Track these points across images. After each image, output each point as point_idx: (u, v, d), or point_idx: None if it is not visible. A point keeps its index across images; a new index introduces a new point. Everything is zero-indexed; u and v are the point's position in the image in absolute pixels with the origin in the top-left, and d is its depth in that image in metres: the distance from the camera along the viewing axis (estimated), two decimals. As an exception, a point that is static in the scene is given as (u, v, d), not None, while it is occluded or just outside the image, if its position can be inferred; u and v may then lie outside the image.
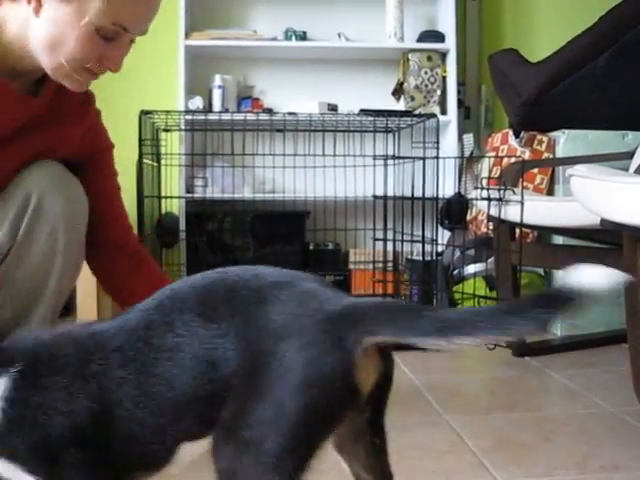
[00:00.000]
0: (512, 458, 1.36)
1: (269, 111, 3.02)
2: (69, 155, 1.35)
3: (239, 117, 2.58)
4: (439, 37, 3.13)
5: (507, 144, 2.76)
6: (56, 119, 1.29)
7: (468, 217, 2.90)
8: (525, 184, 2.29)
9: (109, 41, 1.11)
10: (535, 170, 2.55)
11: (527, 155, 2.62)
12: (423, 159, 2.31)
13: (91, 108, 1.37)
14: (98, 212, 1.35)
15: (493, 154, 2.81)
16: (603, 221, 1.45)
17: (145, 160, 2.32)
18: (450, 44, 3.08)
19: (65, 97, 1.28)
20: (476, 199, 2.23)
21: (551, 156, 2.58)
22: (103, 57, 1.13)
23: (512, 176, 2.18)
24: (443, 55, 3.12)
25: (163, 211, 2.63)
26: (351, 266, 3.00)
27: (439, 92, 3.10)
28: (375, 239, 2.75)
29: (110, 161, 1.45)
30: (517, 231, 2.21)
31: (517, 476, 1.28)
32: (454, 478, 1.27)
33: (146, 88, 3.02)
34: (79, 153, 1.36)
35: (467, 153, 3.08)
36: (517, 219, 2.04)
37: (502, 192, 2.10)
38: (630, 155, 2.17)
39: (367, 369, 0.76)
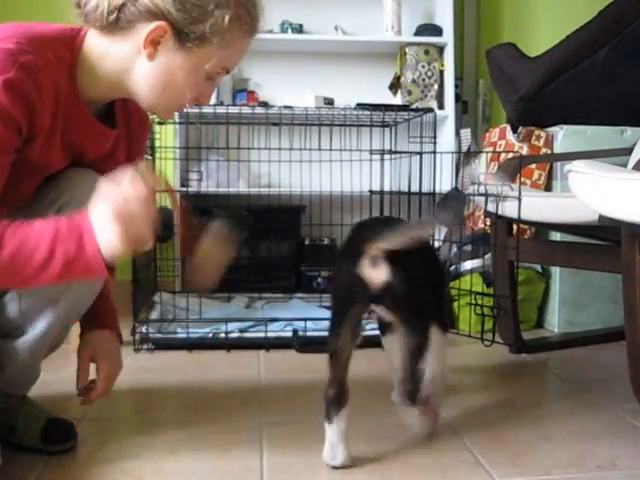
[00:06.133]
0: (509, 456, 1.35)
1: (265, 104, 2.99)
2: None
3: (234, 110, 2.56)
4: (437, 31, 3.11)
5: (505, 139, 2.74)
6: (125, 141, 1.34)
7: (465, 213, 2.88)
8: (523, 180, 2.28)
9: (208, 80, 1.20)
10: (533, 166, 2.54)
11: (525, 150, 2.60)
12: (420, 154, 2.29)
13: (148, 127, 1.44)
14: None
15: (491, 149, 2.79)
16: (601, 217, 1.44)
17: (139, 153, 2.29)
18: (448, 38, 3.06)
19: (131, 119, 1.34)
20: (473, 195, 2.21)
21: (549, 152, 2.57)
22: (200, 96, 1.22)
23: (510, 172, 2.17)
24: (441, 49, 3.10)
25: (157, 205, 2.60)
26: (347, 261, 2.98)
27: (436, 86, 3.08)
28: (371, 234, 2.72)
29: None
30: (514, 227, 2.20)
31: (514, 474, 1.27)
32: (450, 476, 1.26)
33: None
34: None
35: (464, 148, 3.06)
36: (514, 215, 2.03)
37: (499, 188, 2.09)
38: (629, 151, 2.16)
39: None
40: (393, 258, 1.23)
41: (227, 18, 1.13)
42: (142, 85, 1.18)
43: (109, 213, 1.02)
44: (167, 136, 2.63)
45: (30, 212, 1.22)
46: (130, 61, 1.15)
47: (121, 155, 1.35)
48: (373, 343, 2.22)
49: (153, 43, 1.12)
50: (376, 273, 1.23)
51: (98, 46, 1.16)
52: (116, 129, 1.29)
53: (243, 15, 1.16)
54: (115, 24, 1.12)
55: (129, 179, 1.05)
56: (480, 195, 2.15)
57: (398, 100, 3.09)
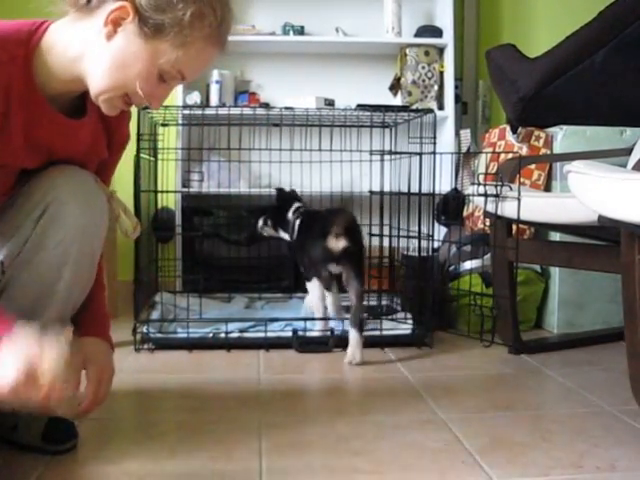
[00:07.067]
0: (508, 457, 1.35)
1: (266, 105, 3.00)
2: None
3: (236, 111, 2.56)
4: (437, 32, 3.11)
5: (504, 140, 2.74)
6: (103, 132, 1.35)
7: (465, 213, 2.89)
8: (522, 180, 2.28)
9: (162, 82, 1.17)
10: (532, 166, 2.54)
11: (524, 151, 2.60)
12: (420, 154, 2.29)
13: (126, 114, 1.41)
14: None
15: (490, 150, 2.79)
16: (601, 217, 1.44)
17: (142, 155, 2.29)
18: (448, 39, 3.07)
19: None
20: (473, 195, 2.22)
21: (549, 152, 2.57)
22: (150, 94, 1.18)
23: (509, 172, 2.17)
24: (441, 50, 3.11)
25: (159, 205, 2.62)
26: (347, 262, 2.98)
27: (436, 87, 3.08)
28: (371, 235, 2.73)
29: (119, 159, 1.49)
30: (514, 227, 2.20)
31: (513, 475, 1.27)
32: (449, 477, 1.26)
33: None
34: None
35: (464, 149, 3.07)
36: (514, 215, 2.03)
37: (499, 188, 2.09)
38: (628, 151, 2.16)
39: None
40: (346, 233, 2.04)
41: (189, 12, 1.12)
42: (93, 67, 1.16)
43: (20, 355, 1.01)
44: (170, 137, 2.65)
45: (15, 212, 1.24)
46: (89, 43, 1.15)
47: (101, 147, 1.36)
48: (372, 344, 2.24)
49: (114, 23, 1.12)
50: (339, 242, 2.04)
51: (63, 35, 1.17)
52: (84, 118, 1.28)
53: (208, 15, 1.14)
54: (87, 5, 1.13)
55: (54, 340, 1.04)
56: (480, 195, 2.16)
57: (398, 101, 3.09)
